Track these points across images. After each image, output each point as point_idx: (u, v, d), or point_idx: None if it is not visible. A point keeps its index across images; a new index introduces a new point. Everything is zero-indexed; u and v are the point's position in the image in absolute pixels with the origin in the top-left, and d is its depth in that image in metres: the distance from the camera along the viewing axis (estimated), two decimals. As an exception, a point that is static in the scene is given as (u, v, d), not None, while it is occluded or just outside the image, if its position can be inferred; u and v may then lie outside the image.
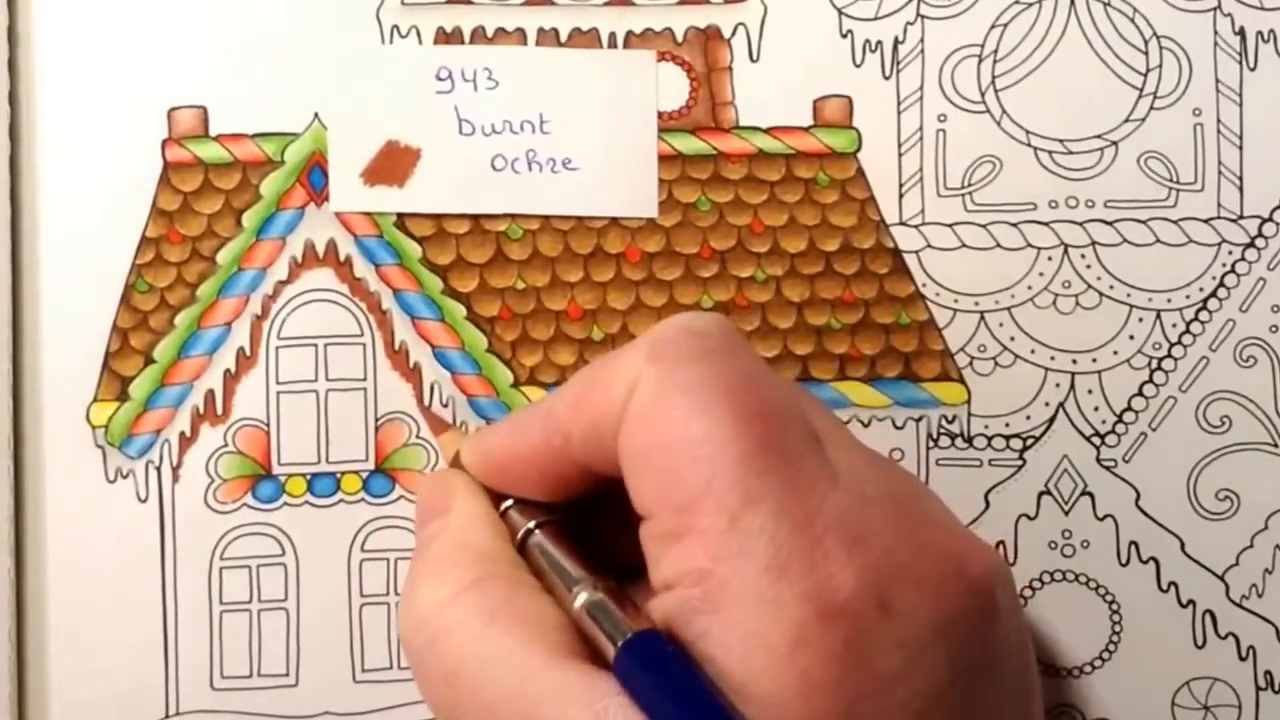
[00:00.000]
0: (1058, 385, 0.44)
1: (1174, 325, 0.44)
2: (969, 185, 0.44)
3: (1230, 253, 0.44)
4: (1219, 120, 0.44)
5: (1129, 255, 0.44)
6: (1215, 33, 0.44)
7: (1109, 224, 0.44)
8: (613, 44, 0.44)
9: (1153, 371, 0.44)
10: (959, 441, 0.44)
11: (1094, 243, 0.44)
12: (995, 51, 0.44)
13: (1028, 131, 0.44)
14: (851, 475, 0.33)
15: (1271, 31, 0.44)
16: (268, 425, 0.43)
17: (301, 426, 0.44)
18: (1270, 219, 0.44)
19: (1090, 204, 0.44)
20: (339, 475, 0.44)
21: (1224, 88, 0.44)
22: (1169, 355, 0.44)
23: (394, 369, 0.44)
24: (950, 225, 0.44)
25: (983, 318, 0.44)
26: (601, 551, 0.36)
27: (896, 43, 0.44)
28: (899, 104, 0.44)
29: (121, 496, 0.43)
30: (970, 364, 0.44)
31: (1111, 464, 0.44)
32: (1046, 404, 0.44)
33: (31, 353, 0.43)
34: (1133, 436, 0.44)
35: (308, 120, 0.44)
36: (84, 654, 0.43)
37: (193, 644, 0.43)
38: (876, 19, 0.44)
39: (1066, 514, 0.44)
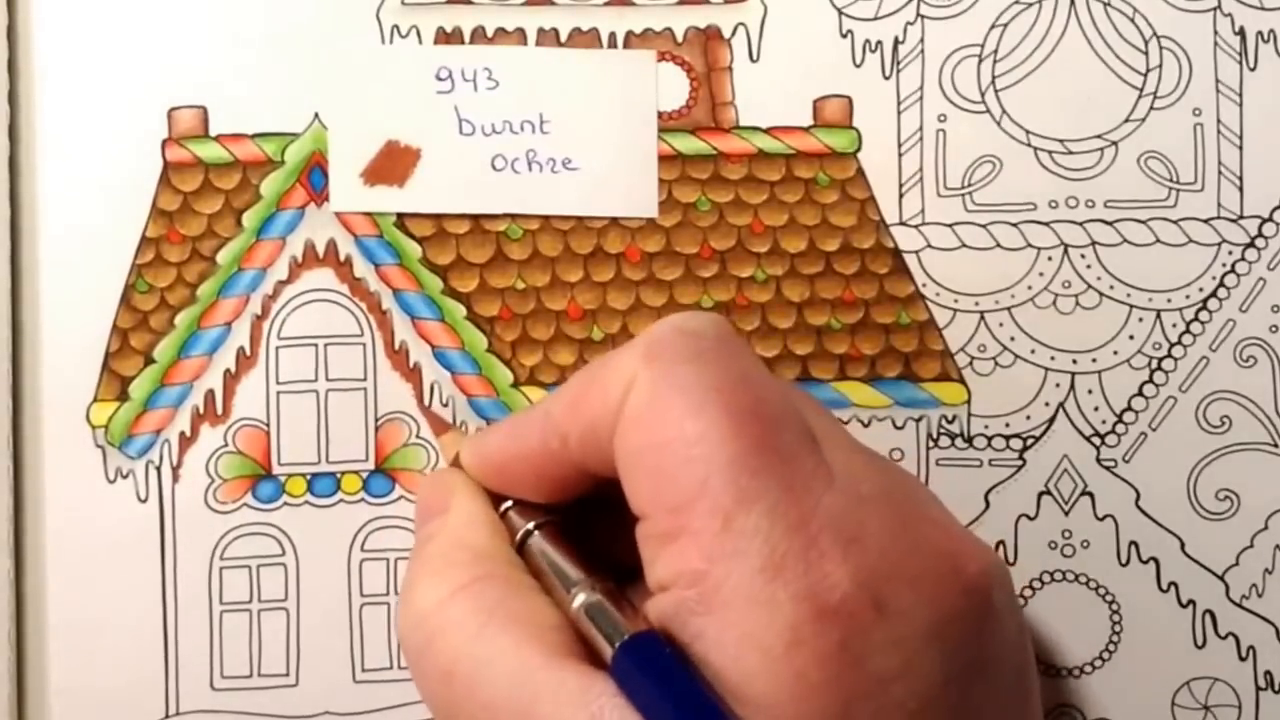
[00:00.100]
0: (1058, 385, 0.44)
1: (1174, 325, 0.44)
2: (969, 185, 0.44)
3: (1230, 253, 0.44)
4: (1219, 120, 0.44)
5: (1129, 255, 0.44)
6: (1215, 33, 0.44)
7: (1109, 224, 0.44)
8: (613, 44, 0.44)
9: (1153, 371, 0.44)
10: (959, 441, 0.44)
11: (1094, 243, 0.44)
12: (995, 51, 0.44)
13: (1028, 131, 0.44)
14: (848, 475, 0.33)
15: (1271, 31, 0.44)
16: (268, 425, 0.44)
17: (301, 426, 0.44)
18: (1270, 219, 0.44)
19: (1090, 204, 0.44)
20: (339, 475, 0.44)
21: (1224, 88, 0.44)
22: (1169, 355, 0.44)
23: (394, 369, 0.44)
24: (950, 225, 0.44)
25: (983, 318, 0.44)
26: (600, 553, 0.36)
27: (896, 43, 0.44)
28: (899, 104, 0.44)
29: (121, 496, 0.43)
30: (970, 364, 0.44)
31: (1111, 464, 0.44)
32: (1046, 404, 0.44)
33: (31, 353, 0.43)
34: (1133, 436, 0.44)
35: (308, 120, 0.44)
36: (84, 654, 0.43)
37: (193, 644, 0.43)
38: (876, 19, 0.44)
39: (1066, 514, 0.44)
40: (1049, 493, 0.44)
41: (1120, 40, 0.44)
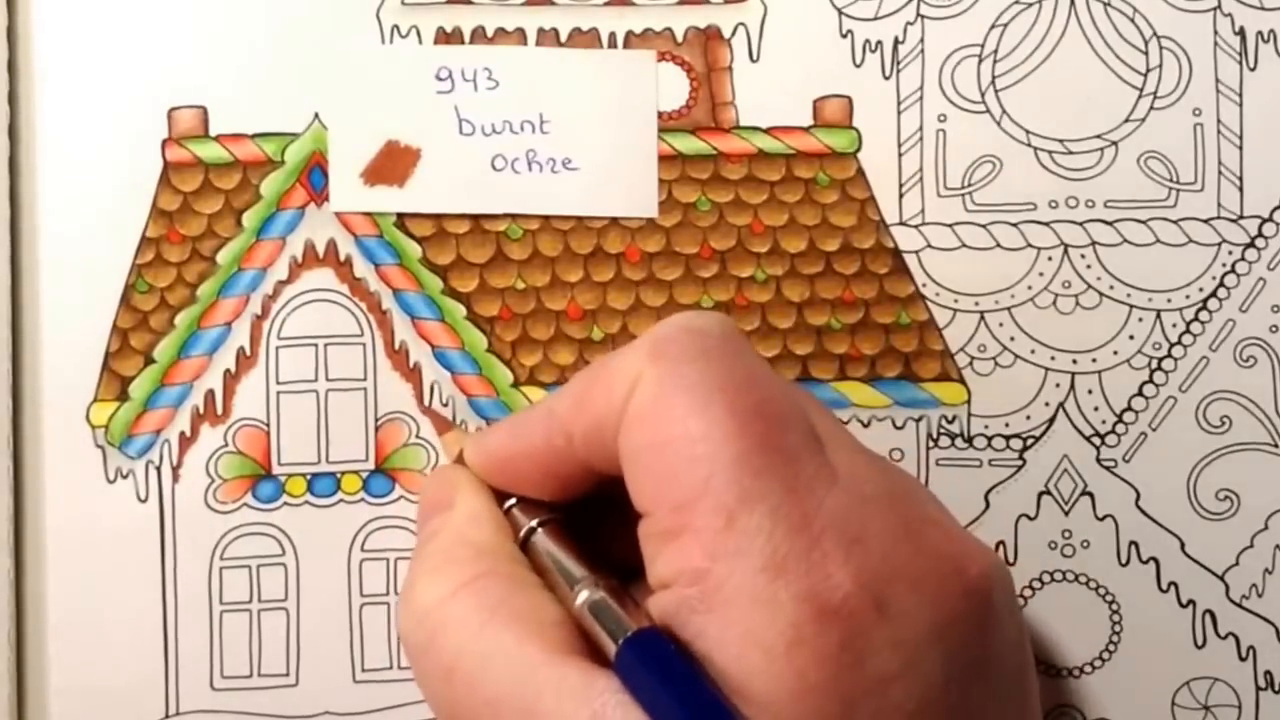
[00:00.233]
0: (1058, 385, 0.44)
1: (1174, 325, 0.44)
2: (969, 185, 0.44)
3: (1230, 253, 0.44)
4: (1219, 120, 0.44)
5: (1129, 255, 0.44)
6: (1215, 33, 0.44)
7: (1109, 224, 0.44)
8: (613, 44, 0.44)
9: (1153, 371, 0.44)
10: (959, 441, 0.44)
11: (1094, 243, 0.44)
12: (995, 51, 0.44)
13: (1028, 131, 0.44)
14: (851, 476, 0.33)
15: (1271, 31, 0.44)
16: (268, 425, 0.44)
17: (301, 426, 0.44)
18: (1270, 219, 0.44)
19: (1090, 204, 0.44)
20: (339, 475, 0.44)
21: (1224, 88, 0.44)
22: (1169, 355, 0.44)
23: (394, 369, 0.44)
24: (950, 225, 0.44)
25: (983, 318, 0.44)
26: (602, 552, 0.36)
27: (896, 43, 0.44)
28: (899, 104, 0.44)
29: (121, 496, 0.43)
30: (970, 364, 0.44)
31: (1111, 464, 0.44)
32: (1046, 404, 0.44)
33: (31, 353, 0.43)
34: (1133, 436, 0.44)
35: (308, 120, 0.44)
36: (84, 654, 0.43)
37: (193, 644, 0.43)
38: (876, 19, 0.44)
39: (1066, 514, 0.44)
40: (1049, 493, 0.44)
41: (1120, 40, 0.44)
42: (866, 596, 0.31)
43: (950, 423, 0.44)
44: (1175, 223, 0.44)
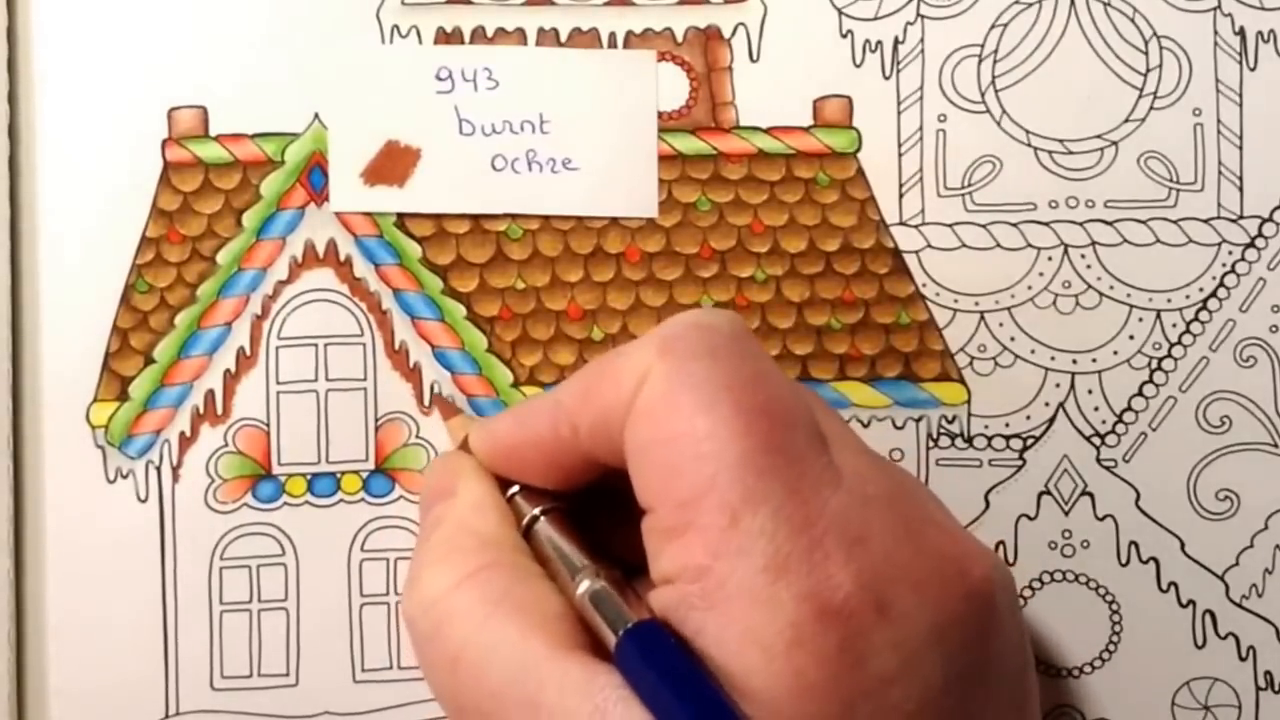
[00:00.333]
0: (1058, 385, 0.44)
1: (1174, 325, 0.44)
2: (969, 185, 0.44)
3: (1230, 253, 0.44)
4: (1219, 120, 0.44)
5: (1129, 255, 0.44)
6: (1215, 33, 0.44)
7: (1109, 224, 0.44)
8: (613, 44, 0.44)
9: (1153, 371, 0.44)
10: (959, 441, 0.44)
11: (1094, 243, 0.44)
12: (995, 51, 0.44)
13: (1028, 131, 0.44)
14: (855, 476, 0.33)
15: (1271, 31, 0.44)
16: (268, 425, 0.44)
17: (301, 426, 0.44)
18: (1270, 219, 0.44)
19: (1090, 204, 0.44)
20: (339, 475, 0.44)
21: (1224, 88, 0.44)
22: (1169, 355, 0.44)
23: (394, 369, 0.44)
24: (950, 225, 0.44)
25: (983, 318, 0.44)
26: (604, 544, 0.36)
27: (896, 43, 0.44)
28: (899, 104, 0.44)
29: (121, 496, 0.43)
30: (970, 364, 0.44)
31: (1111, 464, 0.44)
32: (1046, 404, 0.44)
33: (31, 353, 0.43)
34: (1133, 436, 0.44)
35: (308, 120, 0.44)
36: (84, 654, 0.43)
37: (193, 644, 0.43)
38: (876, 19, 0.44)
39: (1066, 514, 0.44)
40: (1049, 493, 0.44)
41: (1120, 40, 0.44)
42: (867, 597, 0.31)
43: (950, 423, 0.44)
44: (1175, 223, 0.44)
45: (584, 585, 0.34)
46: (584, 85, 0.44)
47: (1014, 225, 0.44)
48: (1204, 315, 0.44)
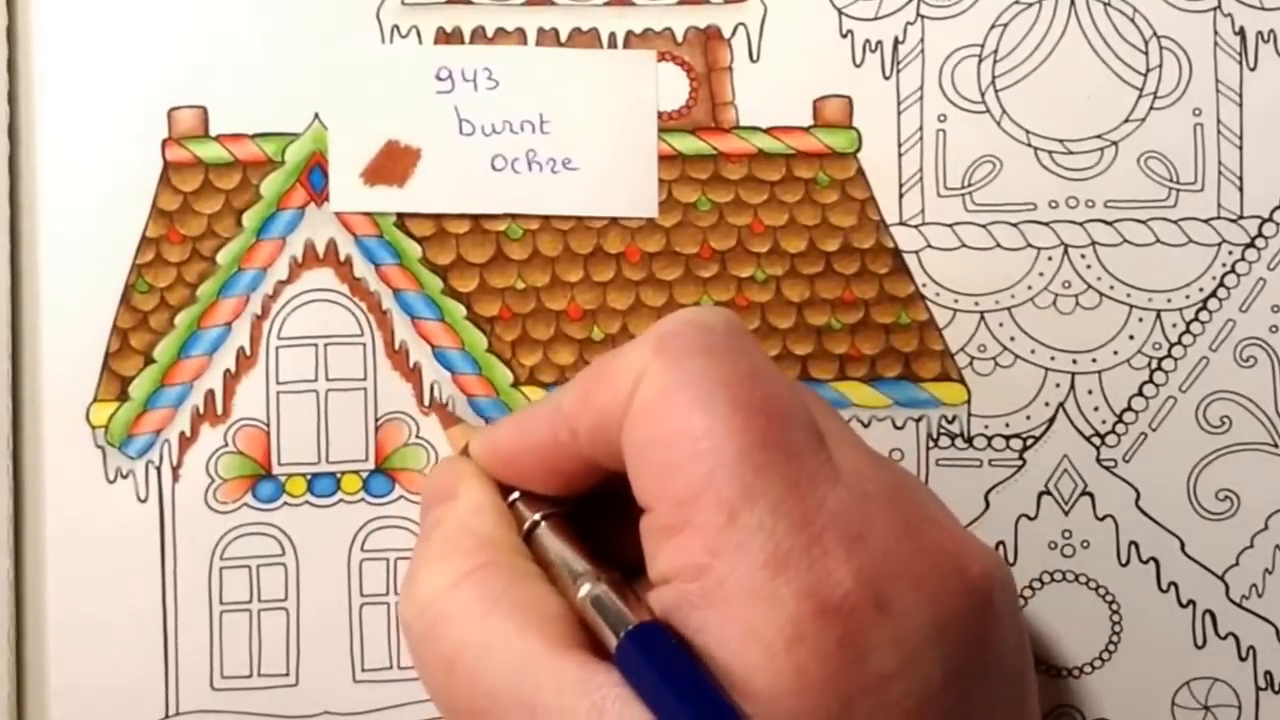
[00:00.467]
0: (1058, 385, 0.44)
1: (1174, 325, 0.44)
2: (969, 185, 0.44)
3: (1230, 253, 0.44)
4: (1219, 120, 0.44)
5: (1129, 255, 0.44)
6: (1215, 33, 0.44)
7: (1109, 224, 0.44)
8: (613, 44, 0.44)
9: (1153, 371, 0.44)
10: (959, 441, 0.44)
11: (1094, 243, 0.44)
12: (995, 51, 0.44)
13: (1028, 131, 0.44)
14: (854, 473, 0.33)
15: (1271, 31, 0.44)
16: (268, 425, 0.44)
17: (301, 426, 0.44)
18: (1270, 219, 0.44)
19: (1090, 204, 0.44)
20: (339, 475, 0.44)
21: (1224, 88, 0.44)
22: (1169, 355, 0.44)
23: (394, 369, 0.44)
24: (950, 225, 0.44)
25: (983, 318, 0.44)
26: (606, 548, 0.36)
27: (896, 43, 0.44)
28: (899, 104, 0.44)
29: (121, 496, 0.43)
30: (970, 364, 0.44)
31: (1111, 464, 0.44)
32: (1046, 404, 0.44)
33: (31, 353, 0.43)
34: (1133, 436, 0.44)
35: (308, 120, 0.44)
36: (84, 654, 0.43)
37: (193, 644, 0.43)
38: (876, 19, 0.44)
39: (1066, 514, 0.44)
40: (1049, 493, 0.44)
41: (1120, 40, 0.44)
42: (867, 594, 0.31)
43: (950, 423, 0.44)
44: (1175, 223, 0.44)
45: (585, 589, 0.34)
46: (584, 85, 0.44)
47: (1014, 225, 0.44)
48: (1204, 315, 0.44)
